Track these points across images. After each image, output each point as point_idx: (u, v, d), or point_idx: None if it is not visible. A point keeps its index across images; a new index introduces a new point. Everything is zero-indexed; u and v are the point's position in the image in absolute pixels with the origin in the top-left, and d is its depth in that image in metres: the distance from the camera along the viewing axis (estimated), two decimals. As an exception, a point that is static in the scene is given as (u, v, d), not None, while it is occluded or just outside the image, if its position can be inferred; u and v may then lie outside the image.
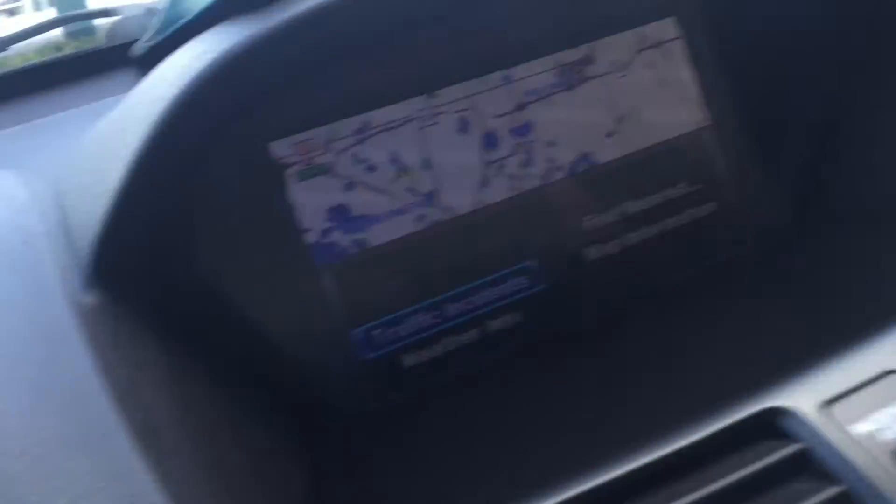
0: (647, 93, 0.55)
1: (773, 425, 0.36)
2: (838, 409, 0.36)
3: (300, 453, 0.43)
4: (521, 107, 0.52)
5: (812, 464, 0.35)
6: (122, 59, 0.59)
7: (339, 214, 0.49)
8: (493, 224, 0.52)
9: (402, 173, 0.50)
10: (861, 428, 0.35)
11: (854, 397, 0.36)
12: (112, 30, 0.69)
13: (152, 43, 0.53)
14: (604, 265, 0.54)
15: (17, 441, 0.31)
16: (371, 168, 0.49)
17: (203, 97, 0.37)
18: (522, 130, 0.53)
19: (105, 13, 0.72)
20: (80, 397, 0.33)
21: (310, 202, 0.48)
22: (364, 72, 0.47)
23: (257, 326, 0.46)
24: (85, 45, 0.77)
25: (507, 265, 0.52)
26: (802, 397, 0.37)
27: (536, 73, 0.53)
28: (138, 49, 0.54)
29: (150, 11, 0.63)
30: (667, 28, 0.56)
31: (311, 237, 0.48)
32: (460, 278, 0.51)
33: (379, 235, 0.50)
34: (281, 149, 0.48)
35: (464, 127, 0.51)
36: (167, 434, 0.33)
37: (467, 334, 0.52)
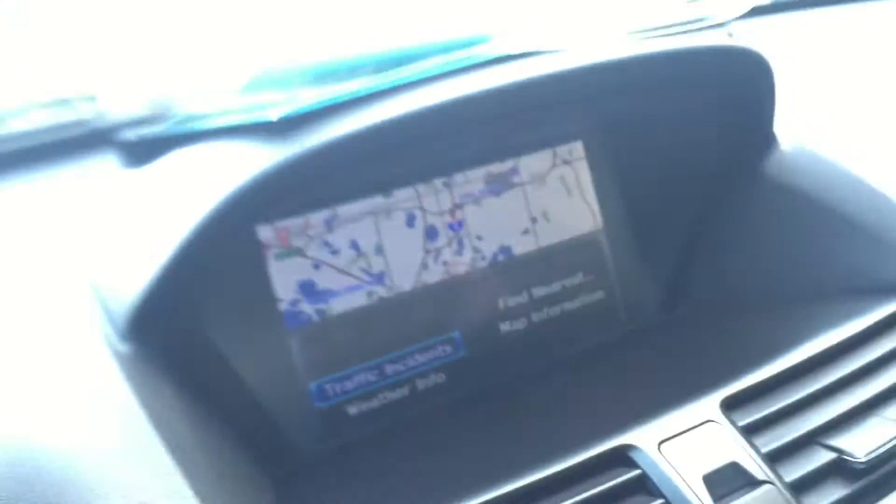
0: (556, 200, 0.69)
1: (626, 456, 0.50)
2: (670, 445, 0.50)
3: (265, 481, 0.54)
4: (457, 207, 0.66)
5: (647, 484, 0.49)
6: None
7: (307, 288, 0.61)
8: (427, 301, 0.64)
9: (359, 257, 0.62)
10: (685, 460, 0.49)
11: (683, 437, 0.50)
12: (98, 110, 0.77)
13: (149, 134, 0.64)
14: (514, 338, 0.67)
15: (81, 452, 0.41)
16: (335, 252, 0.61)
17: (237, 205, 0.48)
18: (456, 226, 0.66)
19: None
20: (127, 421, 0.43)
21: (284, 277, 0.60)
22: (336, 177, 0.60)
23: (239, 377, 0.57)
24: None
25: (436, 335, 0.65)
26: (646, 437, 0.50)
27: (471, 180, 0.66)
28: (130, 135, 0.65)
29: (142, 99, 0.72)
30: (576, 149, 0.70)
31: (283, 306, 0.60)
32: (398, 344, 0.63)
33: (337, 307, 0.61)
34: (265, 233, 0.59)
35: (411, 221, 0.64)
36: (189, 450, 0.44)
37: (400, 390, 0.64)
